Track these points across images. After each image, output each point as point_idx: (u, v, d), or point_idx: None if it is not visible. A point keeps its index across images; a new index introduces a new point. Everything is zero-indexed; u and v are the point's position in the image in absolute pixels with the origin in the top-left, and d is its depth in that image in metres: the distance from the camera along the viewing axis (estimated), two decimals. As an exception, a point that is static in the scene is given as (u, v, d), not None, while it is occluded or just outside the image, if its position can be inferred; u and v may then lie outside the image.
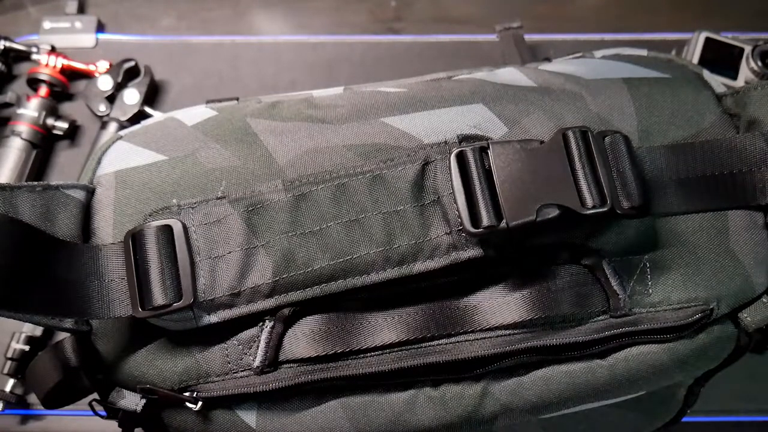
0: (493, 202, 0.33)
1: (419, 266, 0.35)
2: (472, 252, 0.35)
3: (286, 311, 0.35)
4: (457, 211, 0.34)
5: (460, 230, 0.34)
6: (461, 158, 0.34)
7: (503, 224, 0.33)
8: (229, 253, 0.34)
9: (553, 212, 0.33)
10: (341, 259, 0.34)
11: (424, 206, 0.35)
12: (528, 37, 0.66)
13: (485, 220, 0.33)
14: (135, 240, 0.34)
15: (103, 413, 0.37)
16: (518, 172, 0.33)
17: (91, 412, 0.37)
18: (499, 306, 0.36)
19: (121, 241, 0.35)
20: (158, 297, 0.33)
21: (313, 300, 0.35)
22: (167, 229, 0.34)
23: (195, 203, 0.35)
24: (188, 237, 0.34)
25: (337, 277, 0.35)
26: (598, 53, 0.46)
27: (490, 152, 0.34)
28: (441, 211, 0.35)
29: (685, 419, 0.46)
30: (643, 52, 0.45)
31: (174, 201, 0.36)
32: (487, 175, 0.34)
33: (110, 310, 0.34)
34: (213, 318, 0.34)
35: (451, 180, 0.34)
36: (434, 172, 0.35)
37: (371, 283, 0.35)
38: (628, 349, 0.37)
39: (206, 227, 0.35)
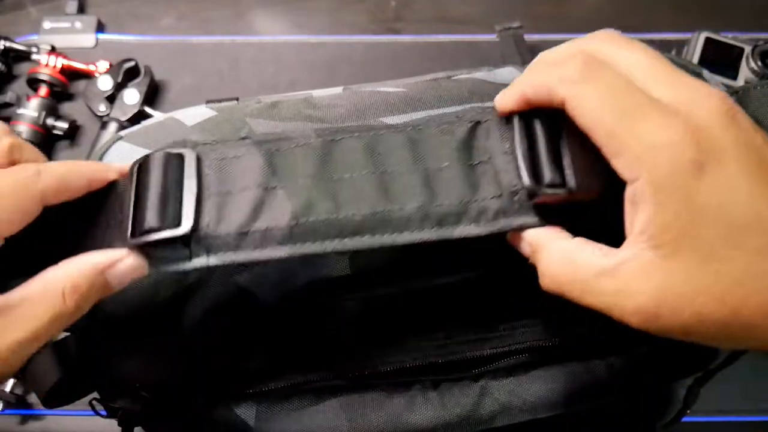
0: (556, 165, 0.29)
1: (462, 230, 0.30)
2: (525, 219, 0.30)
3: (283, 309, 0.35)
4: (517, 165, 0.30)
5: (514, 192, 0.30)
6: (527, 119, 0.30)
7: (569, 187, 0.29)
8: (244, 190, 0.30)
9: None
10: (372, 211, 0.30)
11: (473, 166, 0.31)
12: (528, 37, 0.66)
13: (548, 177, 0.29)
14: (140, 168, 0.30)
15: (103, 413, 0.37)
16: (586, 146, 0.29)
17: (92, 412, 0.37)
18: (497, 305, 0.36)
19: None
20: (152, 219, 0.29)
21: (312, 300, 0.35)
22: (178, 157, 0.30)
23: (215, 141, 0.32)
24: (200, 168, 0.31)
25: (364, 231, 0.30)
26: (598, 53, 0.46)
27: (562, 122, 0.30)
28: (492, 171, 0.31)
29: (685, 419, 0.46)
30: (643, 52, 0.45)
31: (192, 138, 0.32)
32: (552, 140, 0.30)
33: (106, 242, 0.30)
34: (212, 259, 0.30)
35: (514, 136, 0.30)
36: (487, 131, 0.31)
37: (405, 243, 0.30)
38: (628, 348, 0.37)
39: (222, 162, 0.31)
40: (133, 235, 0.29)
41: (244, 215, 0.29)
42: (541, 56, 0.30)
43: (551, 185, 0.29)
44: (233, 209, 0.30)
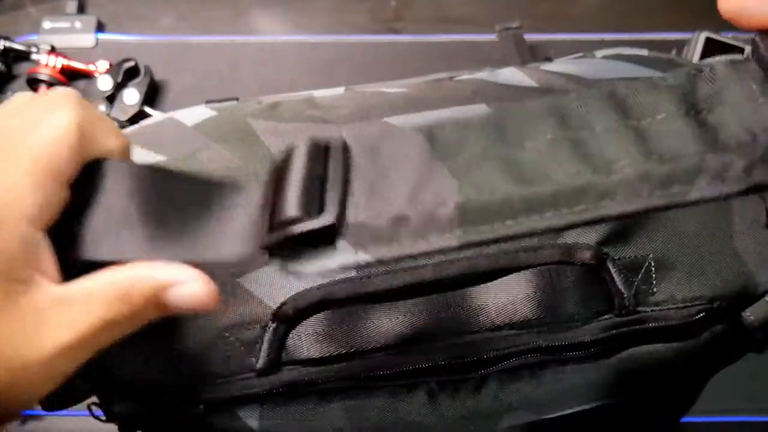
0: None
1: (696, 194, 0.23)
2: None
3: (289, 311, 0.35)
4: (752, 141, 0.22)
5: None
6: None
7: None
8: (400, 169, 0.24)
9: None
10: (565, 182, 0.23)
11: (699, 114, 0.23)
12: (528, 37, 0.66)
13: None
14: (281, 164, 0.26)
15: (100, 413, 0.37)
16: None
17: (96, 418, 0.37)
18: (503, 305, 0.36)
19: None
20: (292, 208, 0.23)
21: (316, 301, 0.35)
22: (322, 149, 0.25)
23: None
24: (347, 153, 0.25)
25: (558, 204, 0.23)
26: (599, 53, 0.46)
27: None
28: (732, 115, 0.23)
29: (685, 419, 0.46)
30: (644, 52, 0.45)
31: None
32: None
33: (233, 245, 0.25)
34: (362, 255, 0.23)
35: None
36: (712, 76, 0.24)
37: (616, 215, 0.23)
38: (633, 348, 0.37)
39: (373, 145, 0.25)
40: (271, 229, 0.24)
41: (402, 200, 0.23)
42: None
43: None
44: (387, 193, 0.24)
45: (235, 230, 0.25)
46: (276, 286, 0.34)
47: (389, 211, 0.23)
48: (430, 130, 0.24)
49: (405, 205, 0.23)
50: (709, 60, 0.25)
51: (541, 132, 0.24)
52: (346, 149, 0.25)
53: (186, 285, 0.24)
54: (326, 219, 0.23)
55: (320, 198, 0.24)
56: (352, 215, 0.23)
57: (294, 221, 0.23)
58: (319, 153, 0.25)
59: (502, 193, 0.23)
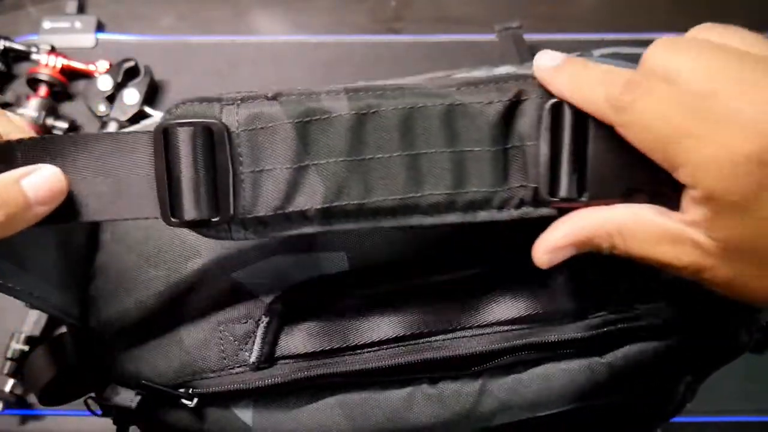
0: (576, 173, 0.30)
1: (485, 215, 0.31)
2: (545, 211, 0.31)
3: (283, 306, 0.35)
4: (537, 171, 0.31)
5: (536, 188, 0.31)
6: (557, 111, 0.30)
7: (583, 198, 0.30)
8: (277, 169, 0.30)
9: (642, 199, 0.30)
10: (401, 197, 0.30)
11: (506, 150, 0.31)
12: (527, 36, 0.66)
13: (564, 190, 0.30)
14: (167, 137, 0.29)
15: (98, 411, 0.37)
16: (613, 149, 0.30)
17: (91, 413, 0.37)
18: (496, 302, 0.36)
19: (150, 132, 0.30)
20: (190, 210, 0.30)
21: (310, 296, 0.35)
22: (206, 132, 0.30)
23: (240, 98, 0.31)
24: (231, 143, 0.30)
25: (395, 213, 0.31)
26: (596, 52, 0.46)
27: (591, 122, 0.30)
28: (522, 158, 0.31)
29: (685, 419, 0.46)
30: (641, 51, 0.45)
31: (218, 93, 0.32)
32: (577, 140, 0.30)
33: (131, 209, 0.31)
34: (250, 235, 0.31)
35: (541, 131, 0.30)
36: (523, 111, 0.31)
37: (430, 225, 0.32)
38: (628, 345, 0.37)
39: (252, 133, 0.30)
40: (172, 215, 0.30)
41: (279, 198, 0.30)
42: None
43: (567, 199, 0.30)
44: (268, 189, 0.30)
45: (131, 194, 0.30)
46: (270, 280, 0.35)
47: (270, 208, 0.30)
48: (302, 126, 0.30)
49: (282, 205, 0.30)
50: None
51: (393, 146, 0.30)
52: (229, 136, 0.30)
53: (36, 171, 0.28)
54: (222, 219, 0.30)
55: (214, 194, 0.30)
56: (242, 210, 0.30)
57: (192, 222, 0.30)
58: (204, 139, 0.29)
59: (356, 201, 0.30)
